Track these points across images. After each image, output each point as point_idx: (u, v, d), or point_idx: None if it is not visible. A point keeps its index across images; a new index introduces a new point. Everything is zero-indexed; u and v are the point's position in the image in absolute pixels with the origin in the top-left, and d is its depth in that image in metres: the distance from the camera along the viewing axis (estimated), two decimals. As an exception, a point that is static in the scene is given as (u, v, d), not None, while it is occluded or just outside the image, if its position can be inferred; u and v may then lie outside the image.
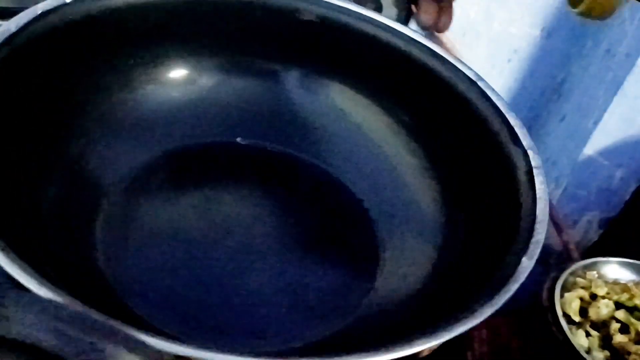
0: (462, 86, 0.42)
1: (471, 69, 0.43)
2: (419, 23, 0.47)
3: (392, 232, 0.43)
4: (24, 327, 0.23)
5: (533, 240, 0.34)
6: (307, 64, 0.47)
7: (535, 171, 0.38)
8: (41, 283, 0.26)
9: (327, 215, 0.44)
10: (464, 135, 0.43)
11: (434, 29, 0.48)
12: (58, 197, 0.37)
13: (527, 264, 0.33)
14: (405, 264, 0.41)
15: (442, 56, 0.44)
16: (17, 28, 0.35)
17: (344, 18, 0.45)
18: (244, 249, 0.40)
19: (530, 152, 0.39)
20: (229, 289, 0.38)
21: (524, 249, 0.34)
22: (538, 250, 0.34)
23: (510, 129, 0.40)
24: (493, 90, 0.42)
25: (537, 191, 0.37)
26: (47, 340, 0.23)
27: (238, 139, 0.46)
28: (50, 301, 0.25)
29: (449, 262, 0.39)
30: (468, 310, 0.30)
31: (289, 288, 0.39)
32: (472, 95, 0.42)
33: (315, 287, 0.39)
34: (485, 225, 0.39)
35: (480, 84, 0.42)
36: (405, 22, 0.47)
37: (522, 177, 0.38)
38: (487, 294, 0.31)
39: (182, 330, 0.34)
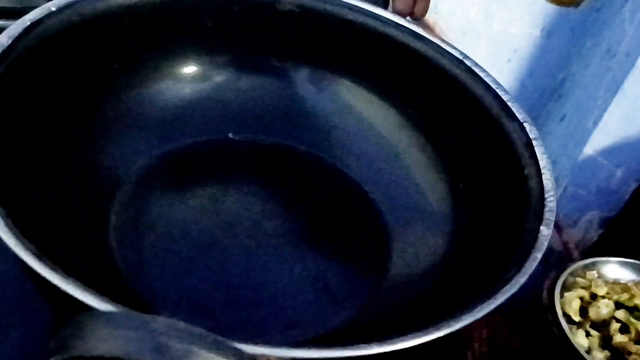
0: (463, 76, 0.43)
1: (462, 52, 0.43)
2: (394, 9, 0.47)
3: (400, 220, 0.43)
4: (108, 343, 0.23)
5: (546, 209, 0.35)
6: (315, 61, 0.47)
7: (534, 142, 0.38)
8: (102, 298, 0.26)
9: (334, 207, 0.45)
10: (467, 124, 0.43)
11: (410, 16, 0.47)
12: (67, 203, 0.37)
13: (546, 232, 0.33)
14: (417, 248, 0.41)
15: (443, 48, 0.44)
16: (11, 41, 0.35)
17: (347, 13, 0.45)
18: (258, 244, 0.40)
19: (526, 125, 0.39)
20: (252, 284, 0.38)
21: (539, 218, 0.34)
22: (553, 219, 0.34)
23: (506, 108, 0.40)
24: (482, 69, 0.42)
25: (540, 162, 0.37)
26: (134, 352, 0.22)
27: (242, 136, 0.46)
28: (127, 314, 0.24)
29: (465, 244, 0.39)
30: (499, 283, 0.31)
31: (309, 277, 0.39)
32: (479, 91, 0.42)
33: (333, 274, 0.40)
34: (495, 204, 0.39)
35: (478, 71, 0.42)
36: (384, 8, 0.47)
37: (522, 151, 0.38)
38: (514, 267, 0.32)
39: (219, 330, 0.34)
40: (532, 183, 0.37)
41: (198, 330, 0.24)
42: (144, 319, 0.24)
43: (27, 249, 0.27)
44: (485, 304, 0.30)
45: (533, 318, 0.51)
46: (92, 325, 0.23)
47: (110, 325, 0.23)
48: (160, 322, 0.24)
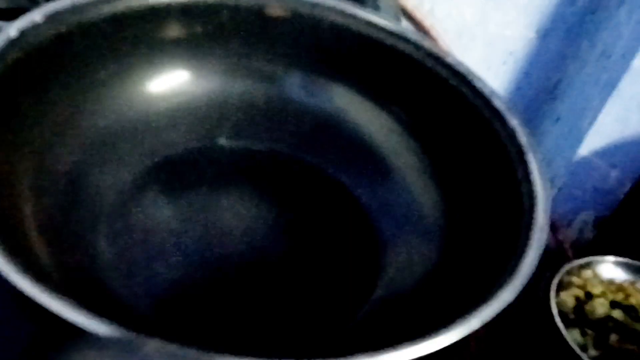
0: (455, 80, 0.43)
1: (457, 60, 0.44)
2: None
3: (392, 225, 0.43)
4: None
5: (539, 214, 0.35)
6: (307, 66, 0.47)
7: (527, 148, 0.38)
8: (93, 318, 0.25)
9: (327, 213, 0.45)
10: (460, 129, 0.43)
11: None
12: (54, 216, 0.36)
13: (540, 235, 0.33)
14: (409, 253, 0.41)
15: (435, 52, 0.44)
16: None
17: (337, 17, 0.45)
18: (251, 253, 0.40)
19: (519, 130, 0.39)
20: (245, 295, 0.38)
21: (532, 224, 0.34)
22: (547, 225, 0.34)
23: (499, 113, 0.41)
24: (475, 74, 0.42)
25: (533, 167, 0.37)
26: None
27: (232, 142, 0.46)
28: (116, 340, 0.24)
29: (457, 250, 0.39)
30: (500, 284, 0.31)
31: (302, 285, 0.39)
32: (471, 95, 0.42)
33: (326, 280, 0.39)
34: (488, 209, 0.39)
35: (471, 76, 0.42)
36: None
37: (515, 156, 0.38)
38: (511, 268, 0.32)
39: (212, 344, 0.34)
40: (525, 188, 0.37)
41: (190, 352, 0.24)
42: (134, 343, 0.24)
43: (11, 264, 0.26)
44: (478, 314, 0.30)
45: (529, 317, 0.51)
46: (81, 353, 0.23)
47: (100, 352, 0.23)
48: (151, 345, 0.23)
